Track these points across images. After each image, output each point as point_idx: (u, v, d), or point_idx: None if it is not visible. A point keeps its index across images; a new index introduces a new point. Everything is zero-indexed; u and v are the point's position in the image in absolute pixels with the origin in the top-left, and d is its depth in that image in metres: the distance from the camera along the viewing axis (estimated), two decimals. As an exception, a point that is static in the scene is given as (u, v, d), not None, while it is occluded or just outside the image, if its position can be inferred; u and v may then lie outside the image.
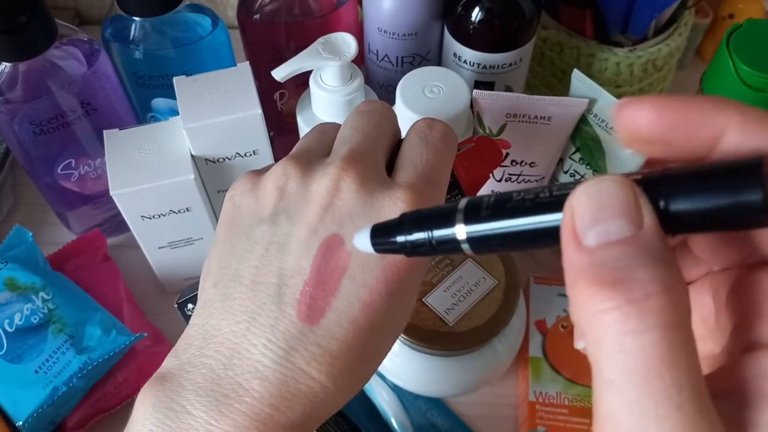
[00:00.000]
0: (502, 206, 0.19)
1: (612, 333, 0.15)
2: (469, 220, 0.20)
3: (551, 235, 0.18)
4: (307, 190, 0.26)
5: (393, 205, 0.25)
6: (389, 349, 0.27)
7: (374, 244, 0.23)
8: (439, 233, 0.21)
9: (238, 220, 0.27)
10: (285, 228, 0.25)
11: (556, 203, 0.18)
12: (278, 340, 0.24)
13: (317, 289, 0.24)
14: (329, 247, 0.24)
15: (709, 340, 0.21)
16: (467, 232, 0.20)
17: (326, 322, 0.24)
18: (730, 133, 0.17)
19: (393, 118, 0.30)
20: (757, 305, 0.19)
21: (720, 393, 0.17)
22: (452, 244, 0.20)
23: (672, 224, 0.16)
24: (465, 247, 0.20)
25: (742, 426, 0.17)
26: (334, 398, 0.24)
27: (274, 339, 0.24)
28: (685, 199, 0.16)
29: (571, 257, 0.17)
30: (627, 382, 0.15)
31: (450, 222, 0.20)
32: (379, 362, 0.27)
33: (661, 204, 0.16)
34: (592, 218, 0.16)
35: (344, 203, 0.25)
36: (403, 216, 0.22)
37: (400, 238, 0.22)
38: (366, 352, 0.25)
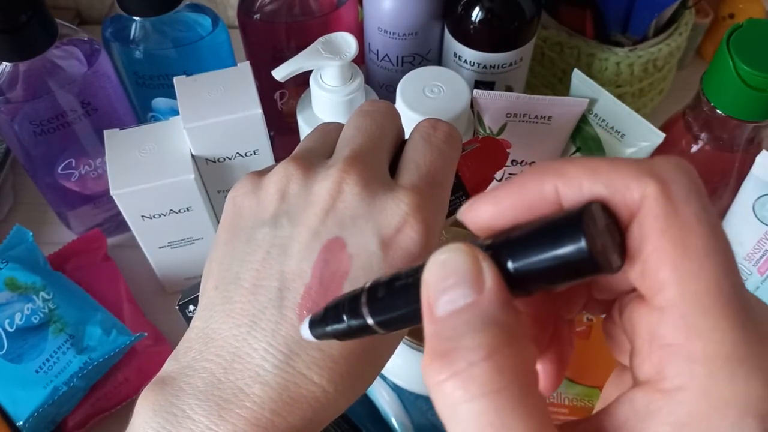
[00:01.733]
0: (392, 286, 0.19)
1: (447, 403, 0.16)
2: (371, 304, 0.19)
3: None
4: (309, 192, 0.26)
5: (396, 208, 0.25)
6: (392, 353, 0.27)
7: (314, 335, 0.22)
8: (353, 322, 0.20)
9: (239, 221, 0.27)
10: (286, 231, 0.25)
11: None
12: (279, 344, 0.24)
13: (319, 293, 0.24)
14: (331, 251, 0.24)
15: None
16: (374, 320, 0.19)
17: None
18: (561, 194, 0.17)
19: (397, 118, 0.30)
20: (630, 339, 0.18)
21: None
22: (367, 330, 0.20)
23: (521, 284, 0.17)
24: (379, 330, 0.20)
25: None
26: (335, 403, 0.24)
27: (275, 343, 0.24)
28: (524, 260, 0.16)
29: (425, 328, 0.17)
30: None
31: (357, 310, 0.20)
32: (382, 366, 0.27)
33: (508, 266, 0.17)
34: (440, 288, 0.17)
35: (346, 206, 0.25)
36: (326, 307, 0.21)
37: (329, 329, 0.21)
38: (368, 356, 0.25)
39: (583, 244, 0.15)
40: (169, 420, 0.23)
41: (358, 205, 0.25)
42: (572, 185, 0.17)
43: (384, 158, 0.27)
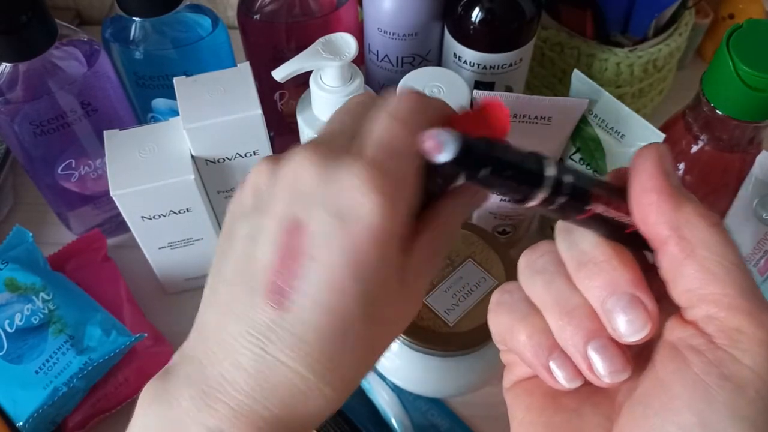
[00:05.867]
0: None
1: None
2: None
3: None
4: (275, 182, 0.26)
5: (349, 180, 0.24)
6: (378, 339, 0.27)
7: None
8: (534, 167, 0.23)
9: (228, 225, 0.29)
10: (255, 220, 0.26)
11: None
12: (254, 330, 0.24)
13: (282, 275, 0.24)
14: (290, 233, 0.25)
15: None
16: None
17: (295, 308, 0.24)
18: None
19: (372, 100, 0.30)
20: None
21: None
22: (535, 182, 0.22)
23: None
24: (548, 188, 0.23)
25: None
26: (319, 391, 0.24)
27: (251, 330, 0.25)
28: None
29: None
30: None
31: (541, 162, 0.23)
32: (371, 355, 0.27)
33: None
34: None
35: (305, 185, 0.25)
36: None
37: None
38: (345, 339, 0.25)
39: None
40: (164, 407, 0.25)
41: (316, 184, 0.25)
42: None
43: (346, 137, 0.27)
